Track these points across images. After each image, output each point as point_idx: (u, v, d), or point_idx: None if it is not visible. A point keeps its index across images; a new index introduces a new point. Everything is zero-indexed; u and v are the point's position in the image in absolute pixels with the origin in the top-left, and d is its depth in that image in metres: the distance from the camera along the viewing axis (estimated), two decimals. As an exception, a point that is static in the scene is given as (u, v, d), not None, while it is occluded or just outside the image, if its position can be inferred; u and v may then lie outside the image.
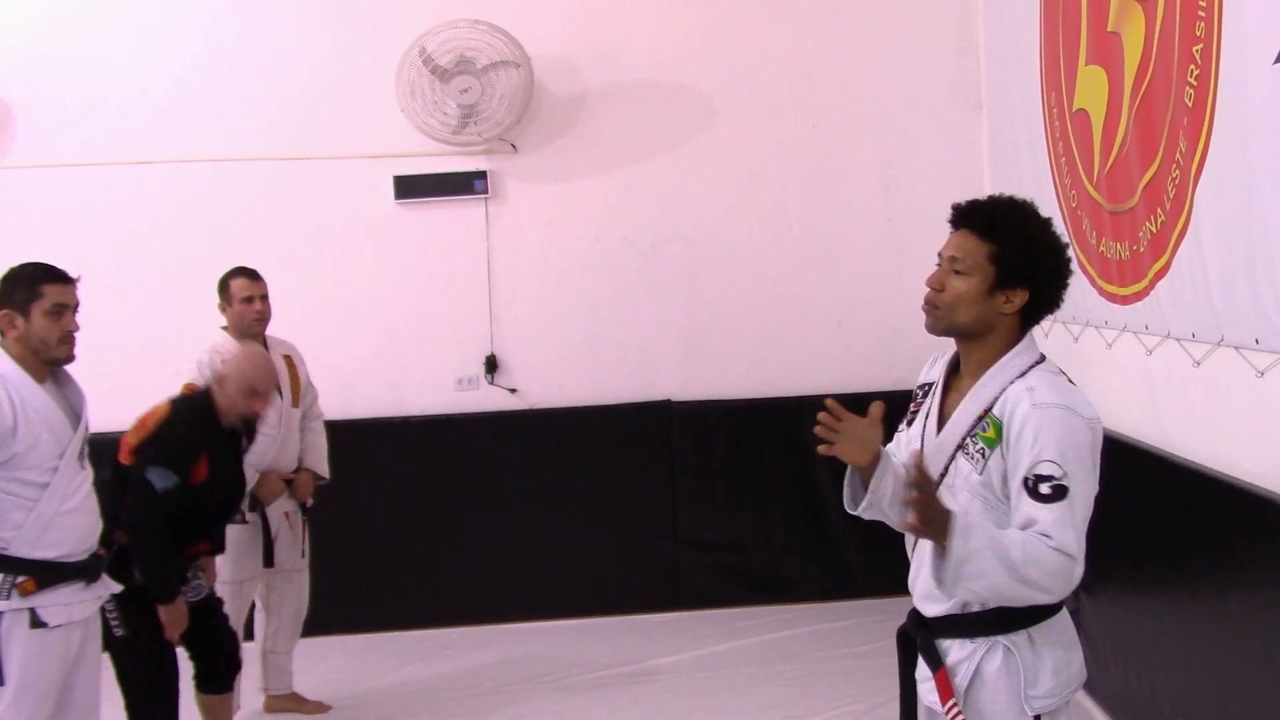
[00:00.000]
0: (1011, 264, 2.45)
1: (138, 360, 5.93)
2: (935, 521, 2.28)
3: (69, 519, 3.46)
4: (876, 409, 2.48)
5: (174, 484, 4.00)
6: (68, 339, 3.47)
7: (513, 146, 6.37)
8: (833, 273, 6.48)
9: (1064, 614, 2.54)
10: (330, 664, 5.77)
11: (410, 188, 6.33)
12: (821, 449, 2.47)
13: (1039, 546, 2.29)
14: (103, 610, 3.76)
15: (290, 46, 6.33)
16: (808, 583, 6.38)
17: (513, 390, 6.48)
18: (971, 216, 2.50)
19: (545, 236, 6.49)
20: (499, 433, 6.43)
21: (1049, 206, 4.96)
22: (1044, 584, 2.30)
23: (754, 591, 6.37)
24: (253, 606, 5.18)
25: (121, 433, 5.66)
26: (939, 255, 2.54)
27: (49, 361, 3.47)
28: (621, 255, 6.50)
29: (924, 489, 2.27)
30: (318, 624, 5.49)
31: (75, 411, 3.55)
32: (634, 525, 6.43)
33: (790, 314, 6.51)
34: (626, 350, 6.52)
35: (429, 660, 5.89)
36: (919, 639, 2.61)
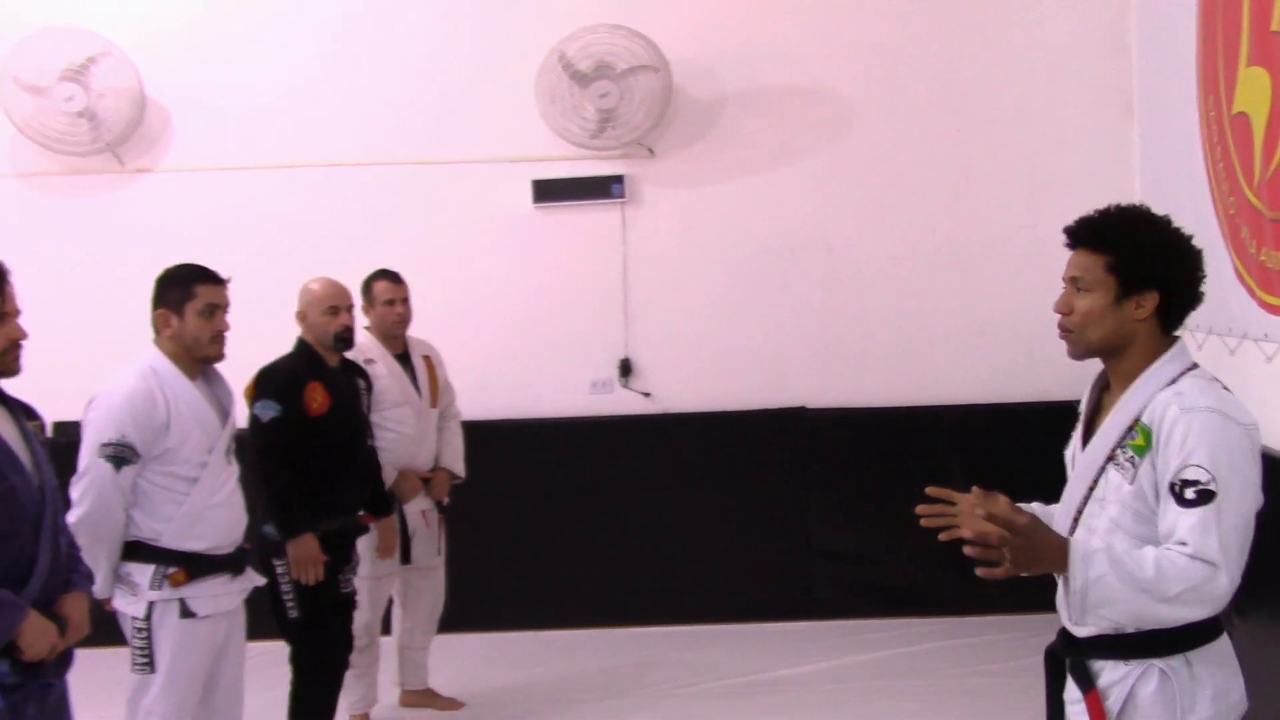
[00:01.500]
0: (1130, 269, 2.37)
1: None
2: (1040, 553, 2.23)
3: (217, 513, 3.57)
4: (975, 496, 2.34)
5: (278, 412, 4.24)
6: (219, 338, 3.58)
7: (650, 151, 6.38)
8: (974, 281, 6.34)
9: (1224, 638, 2.42)
10: (464, 661, 5.84)
11: (548, 191, 6.39)
12: (982, 571, 2.29)
13: (1174, 558, 2.21)
14: (279, 593, 3.90)
15: (432, 51, 6.44)
16: (940, 596, 6.24)
17: (647, 394, 6.48)
18: (1081, 233, 2.45)
19: (682, 241, 6.48)
20: (632, 436, 6.45)
21: (1205, 214, 4.77)
22: (1187, 598, 2.21)
23: (885, 604, 6.27)
24: (390, 602, 5.28)
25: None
26: (1064, 280, 2.48)
27: (200, 360, 3.59)
28: (758, 260, 6.46)
29: (1001, 517, 2.21)
30: (453, 621, 5.56)
31: (224, 409, 3.66)
32: (765, 532, 6.38)
33: (930, 322, 6.39)
34: (761, 356, 6.47)
35: (560, 661, 5.93)
36: (1069, 659, 2.52)
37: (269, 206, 6.44)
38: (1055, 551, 2.27)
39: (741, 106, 6.41)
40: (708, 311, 6.48)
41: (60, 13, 6.21)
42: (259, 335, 6.11)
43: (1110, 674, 2.42)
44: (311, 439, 4.29)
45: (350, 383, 4.60)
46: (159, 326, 3.56)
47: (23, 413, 2.98)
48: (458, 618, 5.68)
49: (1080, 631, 2.49)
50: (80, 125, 6.18)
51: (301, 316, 4.54)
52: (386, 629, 5.24)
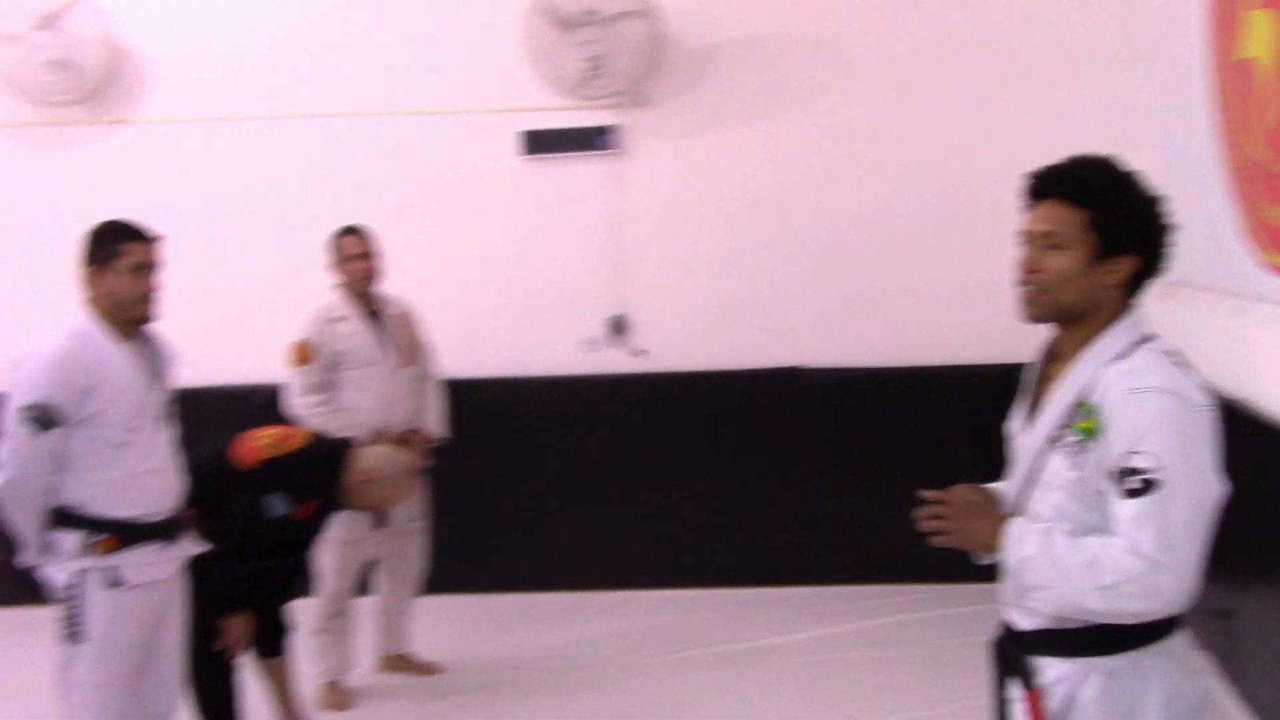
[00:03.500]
0: (1113, 228, 2.18)
1: (258, 315, 5.96)
2: (976, 528, 2.21)
3: (148, 479, 3.43)
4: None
5: (283, 514, 3.97)
6: (147, 298, 3.42)
7: (641, 100, 6.15)
8: (978, 237, 6.07)
9: (1178, 636, 2.22)
10: (448, 624, 5.71)
11: (537, 143, 6.18)
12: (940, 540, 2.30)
13: (1110, 549, 2.04)
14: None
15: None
16: (937, 563, 5.96)
17: (641, 352, 6.30)
18: (1060, 183, 2.23)
19: (675, 194, 6.27)
20: (623, 395, 6.28)
21: (1209, 168, 4.51)
22: (1124, 591, 2.03)
23: (881, 570, 6.06)
24: (371, 565, 5.16)
25: (245, 387, 5.84)
26: (1023, 235, 2.27)
27: (130, 321, 3.43)
28: (754, 214, 6.24)
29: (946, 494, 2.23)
30: (438, 583, 5.45)
31: (157, 372, 3.51)
32: (760, 495, 6.20)
33: (931, 280, 6.15)
34: (757, 314, 6.26)
35: (545, 625, 5.81)
36: (1009, 654, 2.34)
37: (249, 158, 6.28)
38: (991, 529, 2.20)
39: (736, 55, 6.16)
40: (702, 267, 6.28)
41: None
42: (238, 289, 6.09)
43: (1052, 671, 2.24)
44: (281, 533, 4.11)
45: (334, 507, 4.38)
46: (87, 285, 3.41)
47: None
48: (444, 579, 5.56)
49: (1022, 624, 2.30)
50: (57, 75, 6.03)
51: (369, 473, 4.22)
52: (366, 592, 5.14)
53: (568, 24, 5.80)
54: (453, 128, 6.21)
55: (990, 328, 6.05)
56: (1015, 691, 2.33)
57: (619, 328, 6.30)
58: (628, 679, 5.13)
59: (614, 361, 6.30)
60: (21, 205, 6.23)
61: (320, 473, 4.13)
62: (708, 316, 6.28)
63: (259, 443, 4.08)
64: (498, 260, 6.28)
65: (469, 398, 5.72)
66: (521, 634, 5.72)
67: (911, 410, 6.08)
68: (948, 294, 6.13)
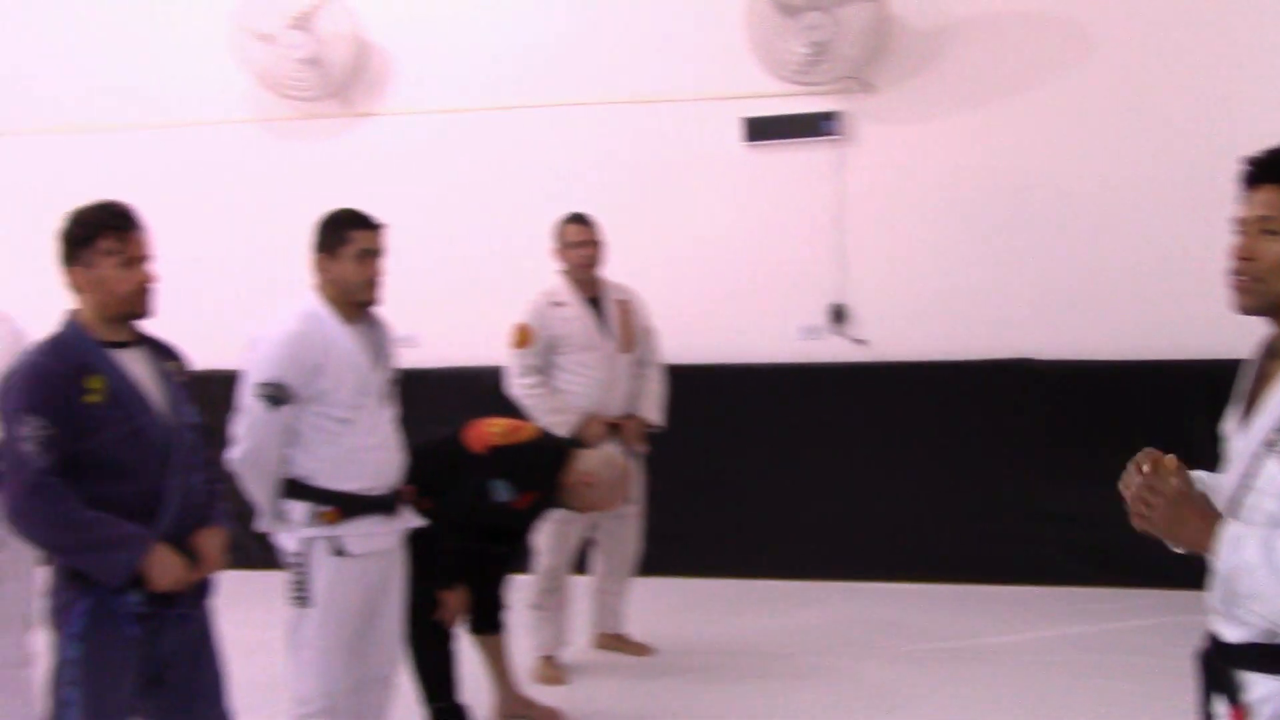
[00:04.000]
0: None
1: (487, 298, 6.16)
2: (1184, 524, 2.03)
3: (371, 454, 3.59)
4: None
5: (505, 500, 4.10)
6: (372, 283, 3.59)
7: (866, 85, 6.06)
8: (1222, 223, 5.71)
9: None
10: (661, 606, 5.79)
11: (759, 130, 6.18)
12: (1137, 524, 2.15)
13: None
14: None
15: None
16: (1169, 566, 5.66)
17: (861, 341, 6.22)
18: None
19: (901, 180, 6.16)
20: (843, 384, 6.22)
21: None
22: None
23: (1107, 571, 5.81)
24: (587, 544, 5.28)
25: (472, 369, 6.06)
26: (1238, 222, 2.12)
27: (356, 304, 3.61)
28: (983, 200, 6.06)
29: (1159, 478, 2.05)
30: (653, 565, 5.53)
31: (380, 353, 3.68)
32: (982, 489, 6.03)
33: (1172, 268, 5.83)
34: (984, 303, 6.09)
35: (758, 611, 5.81)
36: (1215, 667, 2.20)
37: (482, 147, 6.52)
38: (1202, 526, 2.04)
39: (966, 36, 5.99)
40: (928, 255, 6.14)
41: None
42: (479, 277, 6.31)
43: (1260, 688, 2.09)
44: (498, 521, 4.28)
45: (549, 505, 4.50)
46: (317, 270, 3.61)
47: (163, 354, 3.07)
48: (657, 562, 5.63)
49: (1230, 635, 2.16)
50: (307, 71, 6.40)
51: (588, 476, 4.28)
52: (582, 571, 5.26)
53: (791, 9, 5.77)
54: (676, 115, 6.28)
55: (1236, 320, 5.71)
56: (1220, 707, 2.19)
57: (840, 316, 6.23)
58: (840, 670, 5.06)
59: (834, 350, 6.24)
60: (275, 194, 6.63)
61: (544, 466, 4.25)
62: (931, 305, 6.14)
63: (490, 430, 4.23)
64: (719, 247, 6.30)
65: (688, 384, 5.77)
66: (735, 620, 5.74)
67: (1148, 406, 5.78)
68: (1190, 283, 5.77)
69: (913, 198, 6.12)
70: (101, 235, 2.89)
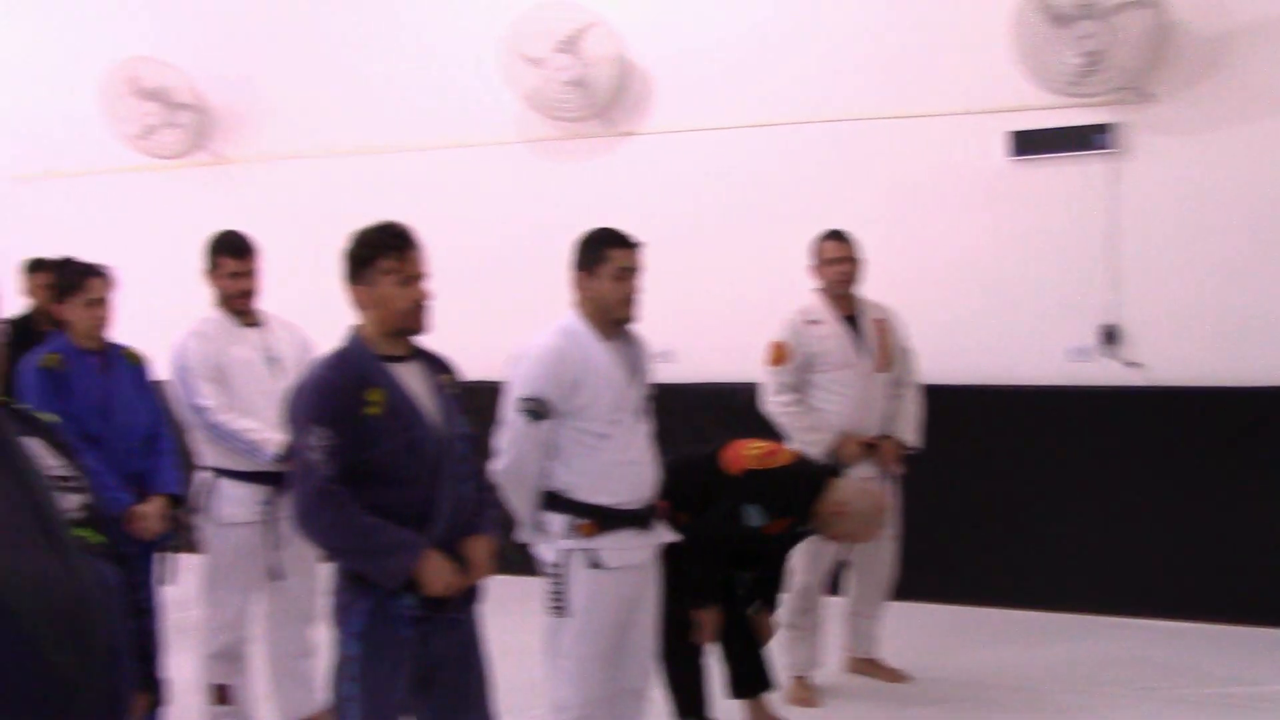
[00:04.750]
0: None
1: (746, 315, 6.16)
2: None
3: (626, 469, 3.66)
4: None
5: (757, 525, 4.09)
6: (629, 301, 3.66)
7: (1145, 96, 5.76)
8: None
9: None
10: (916, 632, 5.67)
11: (1027, 144, 5.97)
12: None
13: None
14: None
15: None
16: None
17: (1136, 364, 5.91)
18: None
19: (1183, 195, 5.83)
20: (1114, 409, 5.92)
21: None
22: None
23: None
24: (842, 565, 5.23)
25: (728, 384, 6.08)
26: None
27: (613, 321, 3.69)
28: (1274, 216, 5.66)
29: None
30: (908, 589, 5.43)
31: (638, 368, 3.75)
32: (1268, 525, 5.62)
33: None
34: (1275, 327, 5.67)
35: (1018, 643, 5.60)
36: None
37: (740, 164, 6.55)
38: None
39: (1252, 41, 5.64)
40: (1213, 275, 5.79)
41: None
42: (736, 293, 6.34)
43: None
44: (751, 546, 4.25)
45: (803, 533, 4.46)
46: (576, 288, 3.70)
47: (437, 367, 3.22)
48: (913, 586, 5.53)
49: None
50: (573, 93, 6.60)
51: (842, 506, 4.20)
52: (836, 591, 5.21)
53: (1063, 19, 5.55)
54: (938, 129, 6.15)
55: None
56: None
57: (1111, 337, 5.94)
58: (1105, 711, 4.81)
59: (1105, 373, 5.95)
60: (541, 212, 6.84)
61: (799, 493, 4.20)
62: (1215, 328, 5.79)
63: (747, 452, 4.21)
64: (981, 264, 6.13)
65: (947, 405, 5.63)
66: (993, 650, 5.54)
67: None
68: None
69: (1195, 213, 5.78)
70: (382, 255, 3.06)
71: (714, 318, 6.43)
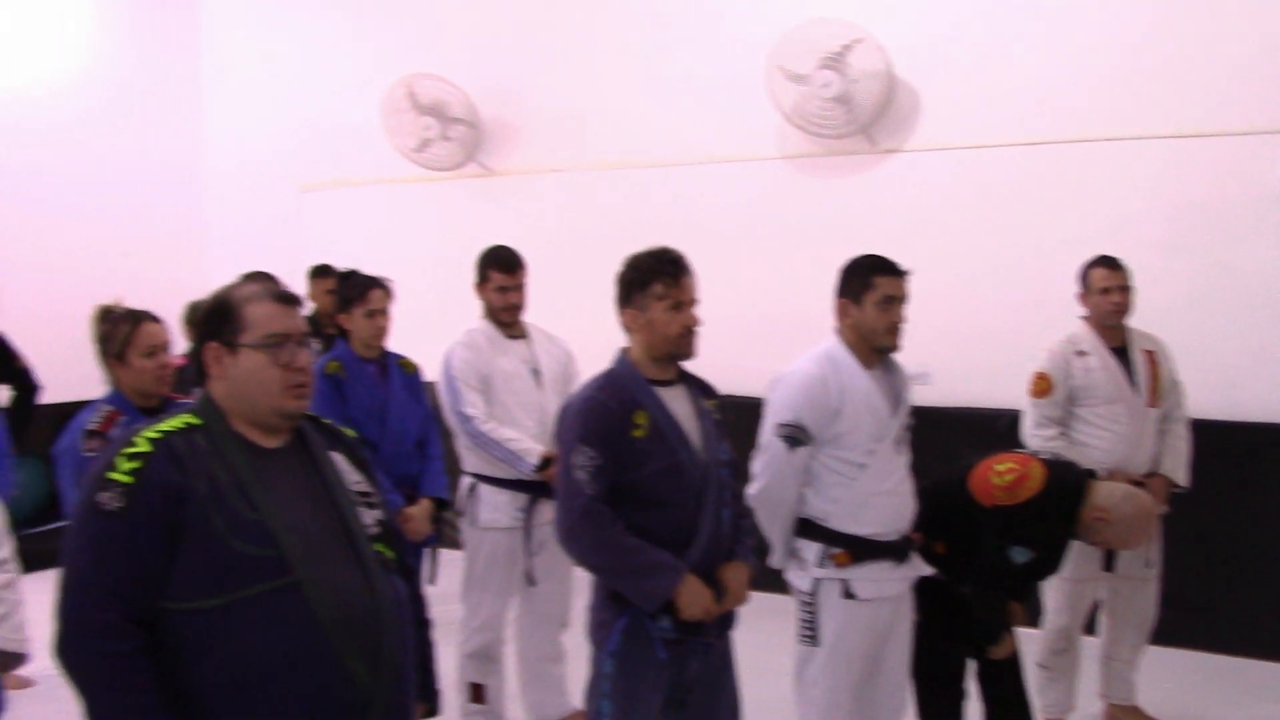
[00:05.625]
0: None
1: (1006, 338, 5.99)
2: None
3: (883, 500, 3.61)
4: None
5: (1029, 559, 3.96)
6: (894, 329, 3.61)
7: None
8: None
9: None
10: (1179, 681, 5.36)
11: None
12: None
13: None
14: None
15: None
16: None
17: None
18: None
19: None
20: None
21: None
22: None
23: None
24: (1097, 606, 5.01)
25: (989, 410, 5.91)
26: None
27: (876, 350, 3.64)
28: None
29: None
30: (1170, 634, 5.17)
31: (898, 399, 3.69)
32: None
33: None
34: None
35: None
36: None
37: (1009, 186, 6.35)
38: None
39: None
40: None
41: (820, 4, 6.57)
42: (998, 316, 6.15)
43: None
44: (1029, 570, 4.10)
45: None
46: (839, 315, 3.67)
47: (702, 391, 3.26)
48: (1175, 632, 5.26)
49: None
50: (835, 109, 6.55)
51: (1107, 511, 3.99)
52: (1091, 631, 5.00)
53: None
54: (1224, 150, 5.78)
55: None
56: None
57: None
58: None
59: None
60: (800, 230, 6.82)
61: (1058, 517, 4.01)
62: None
63: (997, 481, 3.98)
64: (1265, 293, 5.74)
65: (1219, 441, 5.32)
66: (1264, 706, 5.19)
67: None
68: None
69: None
70: (655, 280, 3.12)
71: (975, 340, 6.25)
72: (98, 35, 8.44)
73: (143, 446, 2.14)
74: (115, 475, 2.11)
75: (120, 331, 3.51)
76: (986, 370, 6.09)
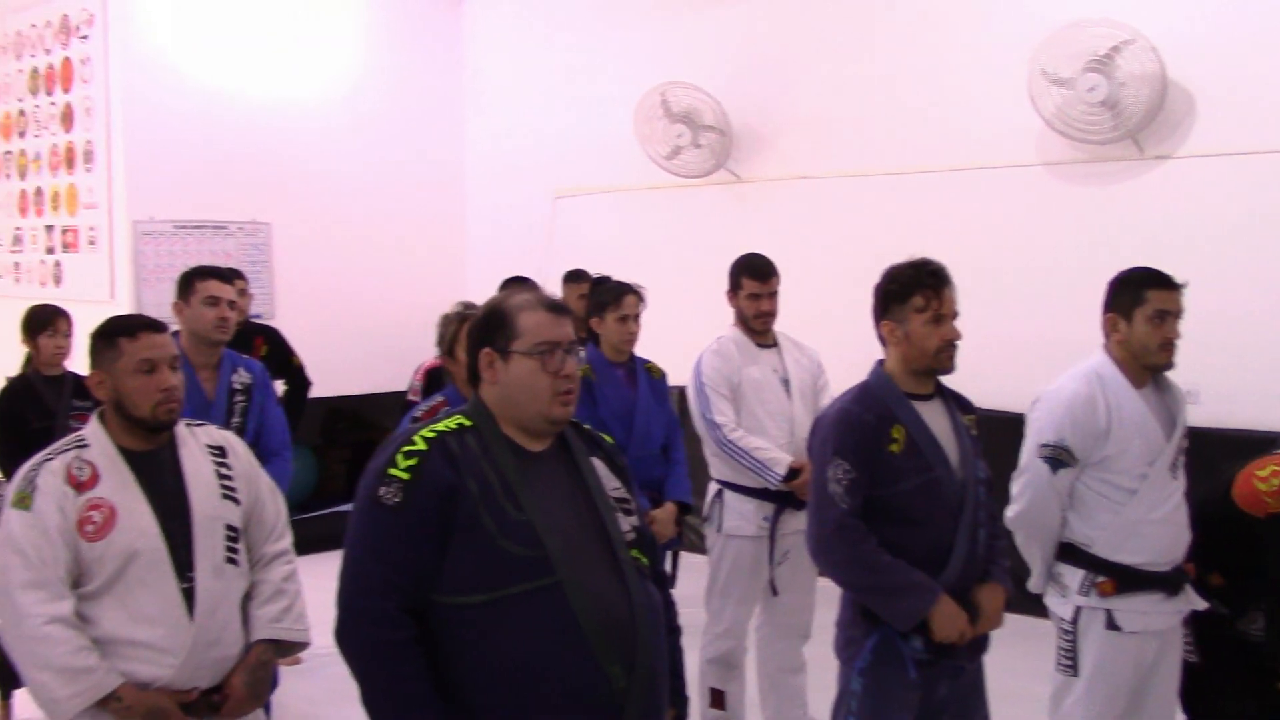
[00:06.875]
0: None
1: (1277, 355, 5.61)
2: None
3: (1153, 528, 3.41)
4: None
5: None
6: (1168, 346, 3.41)
7: None
8: None
9: None
10: None
11: None
12: None
13: None
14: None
15: None
16: None
17: None
18: None
19: None
20: None
21: None
22: None
23: None
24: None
25: (1263, 433, 5.53)
26: None
27: (1148, 367, 3.46)
28: None
29: None
30: None
31: (1173, 420, 3.49)
32: None
33: None
34: None
35: None
36: None
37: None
38: None
39: None
40: None
41: (1086, 6, 6.29)
42: (1270, 330, 5.75)
43: None
44: None
45: None
46: (1107, 330, 3.49)
47: (958, 406, 3.17)
48: None
49: None
50: (1101, 114, 6.26)
51: None
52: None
53: None
54: None
55: None
56: None
57: None
58: None
59: None
60: (1060, 238, 6.55)
61: None
62: None
63: (1263, 488, 3.64)
64: None
65: None
66: None
67: None
68: None
69: None
70: (915, 292, 3.05)
71: (1247, 358, 5.86)
72: (366, 48, 8.86)
73: (420, 445, 2.24)
74: (395, 471, 2.21)
75: (449, 329, 3.72)
76: (1259, 391, 5.70)
